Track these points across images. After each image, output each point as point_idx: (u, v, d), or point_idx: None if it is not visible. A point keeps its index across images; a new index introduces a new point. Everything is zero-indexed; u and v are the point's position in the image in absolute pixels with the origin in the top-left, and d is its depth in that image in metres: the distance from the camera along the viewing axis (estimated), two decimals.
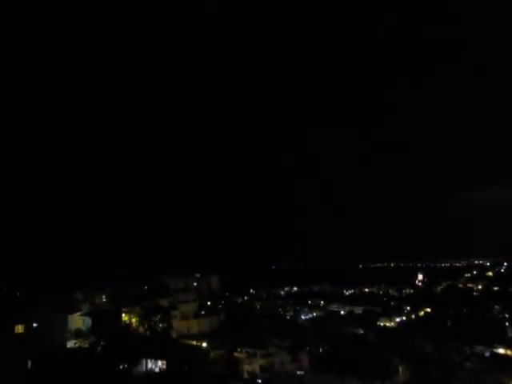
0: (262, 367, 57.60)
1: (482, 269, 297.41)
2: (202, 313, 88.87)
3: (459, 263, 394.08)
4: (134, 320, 67.62)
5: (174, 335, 69.22)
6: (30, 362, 45.72)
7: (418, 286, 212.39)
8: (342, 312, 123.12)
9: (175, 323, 72.61)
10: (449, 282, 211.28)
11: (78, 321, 68.01)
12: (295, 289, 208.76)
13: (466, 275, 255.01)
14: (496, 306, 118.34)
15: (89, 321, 63.79)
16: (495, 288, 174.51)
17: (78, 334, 62.68)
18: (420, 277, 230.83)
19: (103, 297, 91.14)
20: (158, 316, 66.38)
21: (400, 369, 55.67)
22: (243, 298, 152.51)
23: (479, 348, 67.93)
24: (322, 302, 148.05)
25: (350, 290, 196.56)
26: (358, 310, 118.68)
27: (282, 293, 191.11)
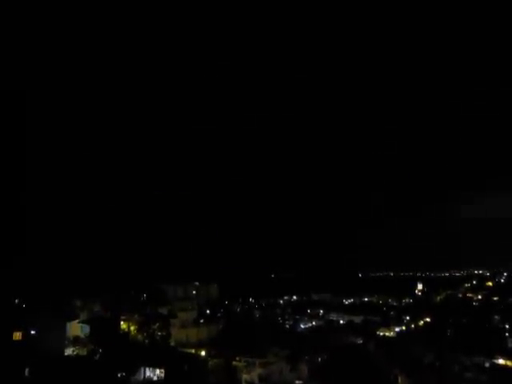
0: (260, 376, 57.23)
1: (482, 279, 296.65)
2: (201, 321, 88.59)
3: (459, 273, 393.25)
4: (132, 328, 67.34)
5: (173, 343, 68.92)
6: (27, 369, 45.57)
7: (417, 295, 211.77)
8: (342, 321, 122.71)
9: (174, 331, 72.29)
10: (448, 292, 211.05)
11: (76, 328, 67.72)
12: (295, 297, 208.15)
13: (466, 285, 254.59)
14: (496, 317, 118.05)
15: (87, 328, 63.44)
16: (495, 298, 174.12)
17: (76, 341, 62.39)
18: (420, 286, 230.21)
19: (101, 304, 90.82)
20: (157, 324, 66.11)
21: (399, 379, 55.42)
22: (242, 307, 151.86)
23: (479, 358, 67.64)
24: (322, 311, 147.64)
25: (350, 299, 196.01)
26: (358, 320, 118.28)
27: (282, 301, 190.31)
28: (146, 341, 63.52)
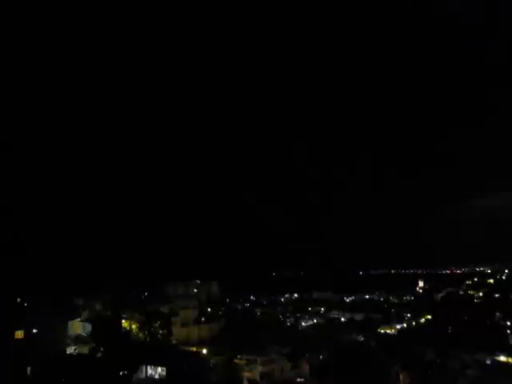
0: (262, 374, 57.26)
1: (483, 276, 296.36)
2: (203, 319, 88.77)
3: (460, 270, 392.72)
4: (134, 326, 67.54)
5: (174, 341, 69.06)
6: (29, 368, 45.68)
7: (418, 292, 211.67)
8: (343, 319, 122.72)
9: (175, 330, 72.48)
10: (450, 289, 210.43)
11: (77, 327, 67.97)
12: (296, 295, 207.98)
13: (467, 282, 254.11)
14: (497, 314, 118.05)
15: (89, 327, 63.66)
16: (496, 295, 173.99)
17: (77, 339, 62.63)
18: (421, 284, 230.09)
19: (103, 303, 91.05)
20: (158, 322, 66.28)
21: (401, 376, 55.45)
22: (243, 305, 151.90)
23: (480, 355, 67.64)
24: (323, 309, 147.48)
25: (351, 296, 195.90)
26: (359, 317, 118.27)
27: (283, 299, 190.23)
28: (148, 339, 63.70)
